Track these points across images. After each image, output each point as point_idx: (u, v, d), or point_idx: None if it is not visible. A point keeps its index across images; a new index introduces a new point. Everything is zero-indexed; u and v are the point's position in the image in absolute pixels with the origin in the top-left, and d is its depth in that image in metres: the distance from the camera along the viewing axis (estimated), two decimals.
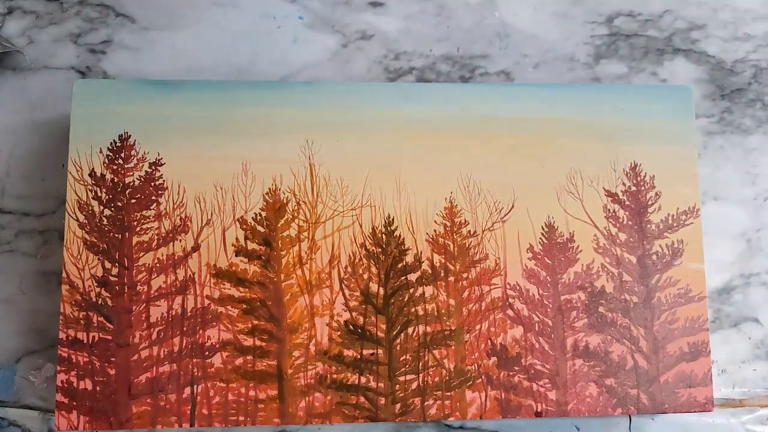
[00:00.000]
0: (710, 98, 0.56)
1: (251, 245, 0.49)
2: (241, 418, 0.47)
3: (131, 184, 0.49)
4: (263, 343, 0.48)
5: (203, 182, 0.49)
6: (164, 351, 0.47)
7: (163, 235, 0.49)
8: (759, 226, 0.55)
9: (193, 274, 0.48)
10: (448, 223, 0.50)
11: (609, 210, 0.51)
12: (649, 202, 0.51)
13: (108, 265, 0.48)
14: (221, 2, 0.56)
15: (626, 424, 0.52)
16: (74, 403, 0.46)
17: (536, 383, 0.48)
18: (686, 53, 0.57)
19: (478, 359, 0.48)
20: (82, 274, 0.48)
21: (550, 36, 0.57)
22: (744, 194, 0.55)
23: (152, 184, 0.49)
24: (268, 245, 0.49)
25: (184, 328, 0.48)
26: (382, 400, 0.48)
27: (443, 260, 0.50)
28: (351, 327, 0.48)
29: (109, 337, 0.47)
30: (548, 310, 0.49)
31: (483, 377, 0.48)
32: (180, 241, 0.49)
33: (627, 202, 0.51)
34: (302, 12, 0.56)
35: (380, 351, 0.48)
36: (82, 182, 0.49)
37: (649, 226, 0.51)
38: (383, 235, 0.49)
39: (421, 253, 0.50)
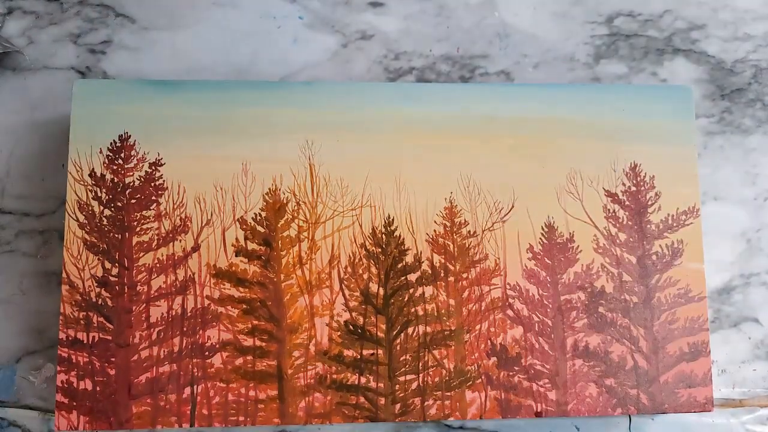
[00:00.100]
0: (710, 98, 0.56)
1: (251, 245, 0.49)
2: (241, 418, 0.47)
3: (131, 184, 0.49)
4: (263, 343, 0.48)
5: (203, 182, 0.49)
6: (164, 351, 0.47)
7: (163, 235, 0.49)
8: (759, 226, 0.55)
9: (193, 274, 0.48)
10: (448, 223, 0.50)
11: (609, 210, 0.51)
12: (649, 202, 0.51)
13: (108, 265, 0.48)
14: (221, 2, 0.56)
15: (626, 424, 0.52)
16: (74, 403, 0.46)
17: (536, 383, 0.48)
18: (686, 53, 0.57)
19: (478, 359, 0.48)
20: (82, 274, 0.48)
21: (550, 36, 0.57)
22: (744, 194, 0.55)
23: (152, 184, 0.49)
24: (268, 245, 0.49)
25: (184, 328, 0.48)
26: (382, 400, 0.48)
27: (443, 260, 0.50)
28: (351, 327, 0.48)
29: (109, 337, 0.47)
30: (548, 310, 0.49)
31: (483, 377, 0.48)
32: (180, 241, 0.49)
33: (627, 202, 0.51)
34: (302, 12, 0.56)
35: (380, 351, 0.48)
36: (82, 182, 0.49)
37: (649, 226, 0.51)
38: (383, 235, 0.49)
39: (421, 253, 0.50)
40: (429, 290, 0.49)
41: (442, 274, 0.49)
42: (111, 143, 0.49)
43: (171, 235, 0.49)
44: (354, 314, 0.49)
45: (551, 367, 0.49)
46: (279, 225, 0.49)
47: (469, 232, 0.50)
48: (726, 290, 0.54)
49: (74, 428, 0.46)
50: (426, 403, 0.48)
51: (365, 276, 0.49)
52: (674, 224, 0.51)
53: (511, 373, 0.48)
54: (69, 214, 0.48)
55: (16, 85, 0.54)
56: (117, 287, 0.48)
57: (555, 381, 0.49)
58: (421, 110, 0.51)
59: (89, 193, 0.49)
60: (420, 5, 0.57)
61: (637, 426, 0.52)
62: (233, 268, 0.48)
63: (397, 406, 0.48)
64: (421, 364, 0.48)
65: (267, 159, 0.50)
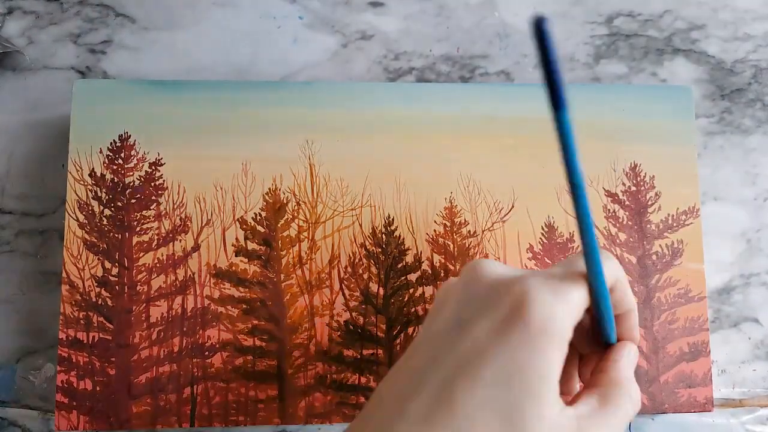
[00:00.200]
0: (710, 98, 0.56)
1: (251, 245, 0.49)
2: (241, 418, 0.47)
3: (131, 184, 0.49)
4: (263, 343, 0.48)
5: (203, 182, 0.49)
6: (164, 351, 0.47)
7: (163, 235, 0.49)
8: (759, 226, 0.55)
9: (193, 274, 0.48)
10: (448, 223, 0.50)
11: (609, 210, 0.51)
12: (649, 202, 0.51)
13: (108, 265, 0.48)
14: (221, 2, 0.56)
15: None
16: (74, 403, 0.46)
17: None
18: (686, 53, 0.57)
19: None
20: (82, 274, 0.48)
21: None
22: (744, 194, 0.55)
23: (152, 184, 0.49)
24: (268, 245, 0.49)
25: (184, 328, 0.48)
26: None
27: (443, 260, 0.50)
28: (351, 327, 0.48)
29: (109, 337, 0.47)
30: None
31: None
32: (180, 241, 0.49)
33: (627, 202, 0.51)
34: (302, 12, 0.56)
35: (380, 351, 0.48)
36: (82, 182, 0.49)
37: (648, 226, 0.51)
38: (383, 235, 0.49)
39: (421, 253, 0.50)
40: (429, 290, 0.49)
41: (442, 274, 0.49)
42: (111, 143, 0.49)
43: (171, 235, 0.49)
44: (354, 314, 0.49)
45: None
46: (279, 225, 0.49)
47: (469, 232, 0.50)
48: (726, 290, 0.54)
49: (74, 428, 0.46)
50: None
51: (365, 276, 0.49)
52: (674, 224, 0.51)
53: None
54: (69, 214, 0.48)
55: (16, 85, 0.54)
56: (117, 287, 0.48)
57: None
58: (421, 110, 0.51)
59: (89, 192, 0.49)
60: (420, 5, 0.57)
61: (637, 426, 0.52)
62: (233, 268, 0.48)
63: None
64: None
65: (267, 159, 0.50)
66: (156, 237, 0.48)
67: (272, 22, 0.56)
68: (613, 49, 0.57)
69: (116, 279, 0.48)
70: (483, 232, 0.50)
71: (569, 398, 0.32)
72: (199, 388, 0.47)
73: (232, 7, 0.56)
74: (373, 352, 0.48)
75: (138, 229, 0.49)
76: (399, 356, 0.48)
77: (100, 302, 0.47)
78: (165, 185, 0.49)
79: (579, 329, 0.35)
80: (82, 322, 0.47)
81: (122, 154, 0.49)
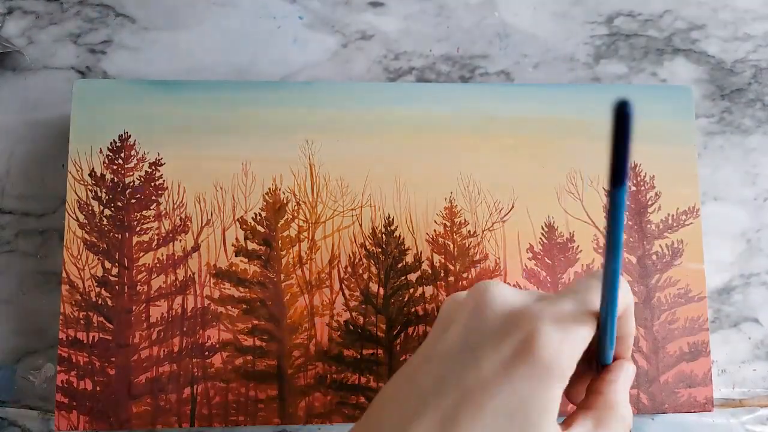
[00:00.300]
0: (710, 98, 0.56)
1: (251, 245, 0.49)
2: (241, 418, 0.47)
3: (131, 184, 0.49)
4: (263, 343, 0.48)
5: (203, 182, 0.49)
6: (164, 351, 0.47)
7: (163, 235, 0.49)
8: (759, 226, 0.55)
9: (193, 274, 0.48)
10: (448, 223, 0.50)
11: None
12: (649, 202, 0.51)
13: (108, 265, 0.48)
14: (221, 2, 0.56)
15: None
16: (74, 403, 0.46)
17: None
18: (686, 53, 0.57)
19: None
20: (82, 274, 0.48)
21: (550, 36, 0.57)
22: (744, 194, 0.55)
23: (152, 184, 0.49)
24: (268, 245, 0.49)
25: (184, 328, 0.48)
26: None
27: (443, 260, 0.50)
28: (351, 327, 0.48)
29: (109, 337, 0.47)
30: None
31: None
32: (180, 241, 0.49)
33: (627, 202, 0.51)
34: (302, 12, 0.56)
35: (380, 351, 0.48)
36: (82, 182, 0.49)
37: (648, 226, 0.51)
38: (383, 235, 0.49)
39: (421, 253, 0.50)
40: (429, 290, 0.49)
41: (442, 274, 0.49)
42: (111, 143, 0.49)
43: (171, 235, 0.49)
44: (354, 314, 0.49)
45: None
46: (279, 225, 0.49)
47: (469, 232, 0.50)
48: (726, 290, 0.54)
49: (74, 428, 0.46)
50: None
51: (365, 276, 0.49)
52: (674, 224, 0.51)
53: None
54: (69, 214, 0.48)
55: (16, 85, 0.54)
56: (117, 287, 0.48)
57: None
58: (421, 110, 0.51)
59: (89, 192, 0.49)
60: (420, 5, 0.57)
61: (637, 426, 0.52)
62: (233, 268, 0.48)
63: None
64: None
65: (267, 159, 0.50)
66: (156, 237, 0.49)
67: (272, 22, 0.56)
68: (613, 49, 0.57)
69: (116, 279, 0.48)
70: (483, 232, 0.50)
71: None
72: (199, 388, 0.47)
73: (232, 7, 0.56)
74: (373, 352, 0.48)
75: (138, 229, 0.49)
76: (399, 356, 0.48)
77: (100, 302, 0.47)
78: (165, 185, 0.49)
79: None
80: (82, 322, 0.47)
81: (122, 154, 0.49)
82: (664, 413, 0.49)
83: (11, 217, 0.53)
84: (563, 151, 0.51)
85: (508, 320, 0.33)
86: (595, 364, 0.37)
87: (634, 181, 0.51)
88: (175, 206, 0.49)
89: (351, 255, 0.49)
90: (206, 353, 0.47)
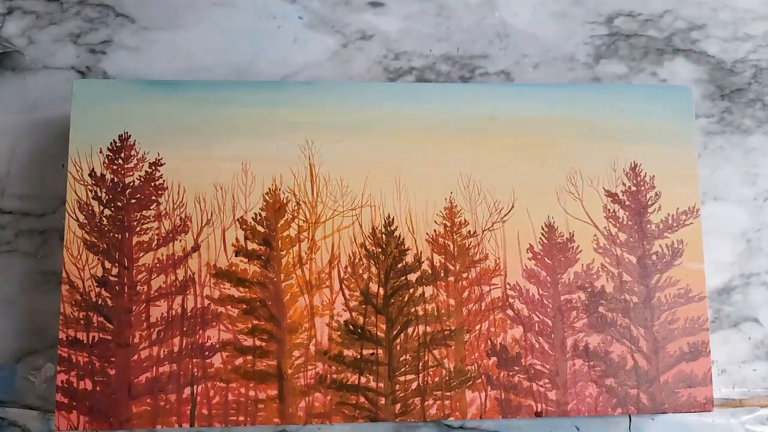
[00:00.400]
0: (710, 98, 0.56)
1: (251, 245, 0.49)
2: (241, 418, 0.47)
3: (131, 184, 0.49)
4: (263, 343, 0.48)
5: (203, 182, 0.49)
6: (164, 351, 0.47)
7: (163, 235, 0.49)
8: (759, 226, 0.55)
9: (193, 274, 0.48)
10: (448, 223, 0.50)
11: (609, 210, 0.51)
12: (649, 202, 0.51)
13: (108, 265, 0.48)
14: (221, 2, 0.56)
15: (626, 424, 0.52)
16: (74, 403, 0.46)
17: (536, 383, 0.48)
18: (686, 53, 0.57)
19: (478, 359, 0.48)
20: (82, 274, 0.48)
21: (550, 36, 0.57)
22: (744, 194, 0.55)
23: (152, 184, 0.49)
24: (268, 245, 0.49)
25: (184, 328, 0.48)
26: (382, 400, 0.48)
27: (443, 260, 0.50)
28: (351, 327, 0.48)
29: (109, 337, 0.47)
30: (548, 310, 0.49)
31: (483, 377, 0.48)
32: (180, 241, 0.49)
33: (627, 202, 0.51)
34: (302, 12, 0.56)
35: (380, 351, 0.48)
36: (82, 182, 0.49)
37: (649, 226, 0.51)
38: (383, 235, 0.49)
39: (421, 253, 0.50)
40: (429, 290, 0.49)
41: (442, 274, 0.49)
42: (111, 143, 0.49)
43: (171, 235, 0.49)
44: (354, 314, 0.49)
45: (551, 367, 0.49)
46: (279, 225, 0.49)
47: (469, 232, 0.50)
48: (726, 290, 0.54)
49: (74, 428, 0.46)
50: (426, 402, 0.48)
51: (365, 276, 0.49)
52: (674, 224, 0.51)
53: (511, 373, 0.48)
54: (69, 214, 0.48)
55: (16, 85, 0.54)
56: (117, 287, 0.48)
57: (555, 381, 0.49)
58: (421, 110, 0.51)
59: (89, 192, 0.49)
60: (420, 5, 0.57)
61: (637, 426, 0.52)
62: (233, 268, 0.48)
63: (397, 406, 0.48)
64: (421, 364, 0.48)
65: (267, 159, 0.50)
66: (156, 237, 0.48)
67: (272, 22, 0.56)
68: (613, 49, 0.57)
69: (116, 279, 0.48)
70: (483, 232, 0.50)
71: None
72: (199, 388, 0.47)
73: (232, 7, 0.56)
74: (373, 352, 0.48)
75: (138, 229, 0.48)
76: (399, 356, 0.48)
77: (100, 302, 0.47)
78: (165, 185, 0.49)
79: None
80: (82, 322, 0.47)
81: (122, 154, 0.49)
82: (664, 413, 0.49)
83: (11, 217, 0.53)
84: (563, 151, 0.51)
85: None
86: None
87: (634, 181, 0.51)
88: (175, 206, 0.49)
89: (351, 255, 0.49)
90: (206, 353, 0.47)
